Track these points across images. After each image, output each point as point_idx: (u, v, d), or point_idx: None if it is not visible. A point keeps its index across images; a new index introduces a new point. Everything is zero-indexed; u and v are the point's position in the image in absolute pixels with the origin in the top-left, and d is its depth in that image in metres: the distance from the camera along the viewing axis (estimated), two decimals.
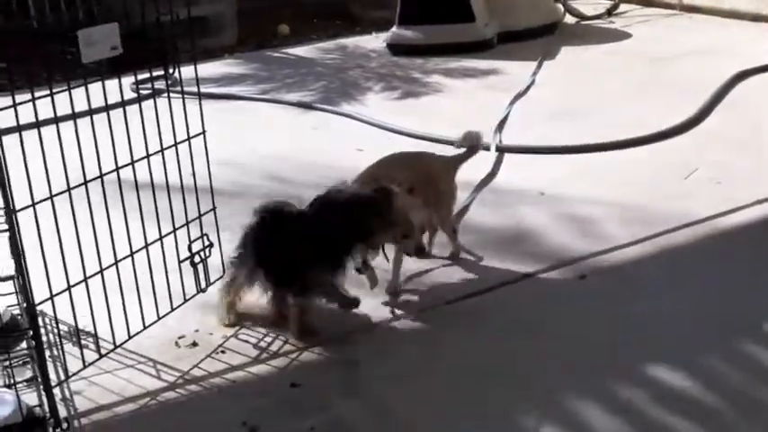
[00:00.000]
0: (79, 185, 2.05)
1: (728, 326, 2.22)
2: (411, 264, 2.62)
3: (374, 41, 6.00)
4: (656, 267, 2.56)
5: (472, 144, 2.78)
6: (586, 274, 2.54)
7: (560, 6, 6.05)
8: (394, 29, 5.73)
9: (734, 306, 2.32)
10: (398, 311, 2.39)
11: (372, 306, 2.40)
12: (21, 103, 1.87)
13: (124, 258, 2.20)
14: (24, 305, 2.02)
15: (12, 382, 1.94)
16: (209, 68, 5.18)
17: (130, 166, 2.19)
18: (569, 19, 6.17)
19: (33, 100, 1.90)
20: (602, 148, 3.55)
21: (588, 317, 2.32)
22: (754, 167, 3.14)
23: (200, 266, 2.41)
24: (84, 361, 2.12)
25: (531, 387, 2.03)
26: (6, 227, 1.90)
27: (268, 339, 2.28)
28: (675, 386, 1.98)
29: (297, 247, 2.25)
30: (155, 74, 2.33)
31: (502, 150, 3.61)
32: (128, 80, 2.42)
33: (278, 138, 4.03)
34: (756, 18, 5.64)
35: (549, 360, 2.13)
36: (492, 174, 3.35)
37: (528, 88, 4.55)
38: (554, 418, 1.91)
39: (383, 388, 2.05)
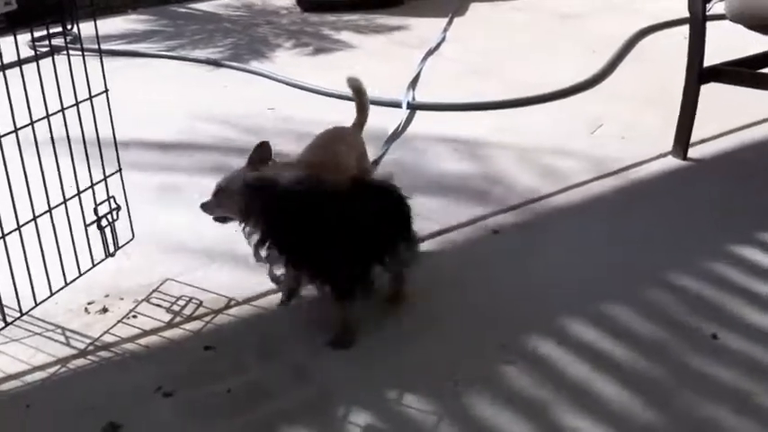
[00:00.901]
0: None
1: (632, 275, 2.29)
2: None
3: None
4: (564, 221, 2.62)
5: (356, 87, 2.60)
6: (498, 229, 2.58)
7: None
8: None
9: (636, 256, 2.39)
10: None
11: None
12: None
13: (27, 223, 2.12)
14: None
15: None
16: (111, 25, 5.01)
17: (30, 128, 2.10)
18: None
19: None
20: (511, 104, 3.60)
21: (501, 272, 2.36)
22: (657, 122, 3.23)
23: (107, 230, 2.35)
24: None
25: (450, 345, 2.05)
26: None
27: (181, 303, 2.24)
28: (583, 338, 2.04)
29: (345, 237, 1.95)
30: (52, 31, 2.22)
31: (414, 107, 3.62)
32: (24, 37, 2.30)
33: (188, 96, 3.93)
34: None
35: (466, 315, 2.16)
36: (402, 129, 3.35)
37: (439, 45, 4.56)
38: (470, 377, 1.94)
39: (300, 351, 2.04)
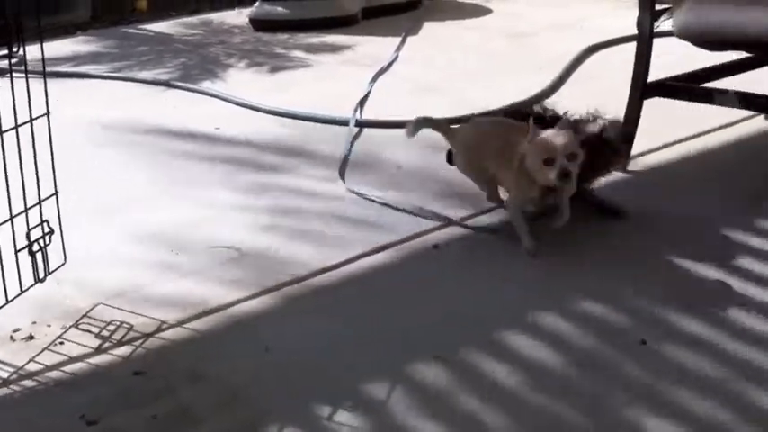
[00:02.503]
0: None
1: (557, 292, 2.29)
2: (258, 239, 2.59)
3: (237, 17, 5.87)
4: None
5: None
6: (439, 244, 2.56)
7: None
8: (257, 4, 5.63)
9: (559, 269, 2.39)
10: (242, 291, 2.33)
11: (211, 288, 2.35)
12: None
13: None
14: None
15: None
16: (58, 47, 4.95)
17: None
18: None
19: None
20: (461, 121, 3.58)
21: (441, 287, 2.35)
22: None
23: (39, 255, 2.29)
24: None
25: (375, 364, 2.02)
26: None
27: (111, 327, 2.18)
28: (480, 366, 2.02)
29: None
30: None
31: (362, 125, 3.59)
32: None
33: (133, 117, 3.87)
34: None
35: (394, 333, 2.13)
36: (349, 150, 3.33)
37: (391, 64, 4.56)
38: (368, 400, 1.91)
39: (234, 373, 1.99)
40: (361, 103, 3.88)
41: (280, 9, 5.54)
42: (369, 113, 3.74)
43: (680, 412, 1.79)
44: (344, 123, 3.57)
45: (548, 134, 2.37)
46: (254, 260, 2.51)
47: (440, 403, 1.86)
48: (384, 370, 1.98)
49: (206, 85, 4.31)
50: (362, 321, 2.20)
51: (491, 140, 2.60)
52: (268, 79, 4.48)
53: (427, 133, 2.83)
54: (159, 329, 2.17)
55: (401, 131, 2.89)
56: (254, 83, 4.40)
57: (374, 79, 4.25)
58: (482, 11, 5.83)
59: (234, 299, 2.29)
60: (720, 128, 3.33)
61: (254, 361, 2.04)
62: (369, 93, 4.04)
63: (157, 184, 3.08)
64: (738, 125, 3.35)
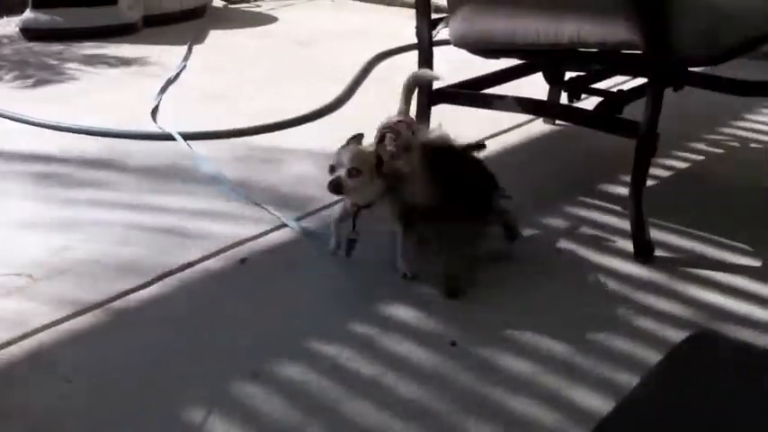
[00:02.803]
0: None
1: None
2: (54, 261, 2.45)
3: (6, 26, 5.49)
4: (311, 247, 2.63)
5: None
6: (247, 257, 2.54)
7: None
8: (27, 12, 5.29)
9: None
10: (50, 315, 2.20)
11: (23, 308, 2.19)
12: None
13: None
14: None
15: None
16: None
17: None
18: (217, 2, 6.15)
19: None
20: (257, 131, 3.57)
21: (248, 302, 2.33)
22: None
23: None
24: None
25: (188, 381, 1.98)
26: None
27: None
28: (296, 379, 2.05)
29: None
30: None
31: (188, 138, 3.47)
32: None
33: None
34: (391, 3, 6.05)
35: (207, 354, 2.10)
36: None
37: (179, 74, 4.45)
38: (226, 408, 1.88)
39: (39, 403, 1.87)
40: (153, 114, 3.76)
41: (54, 17, 5.23)
42: (161, 124, 3.63)
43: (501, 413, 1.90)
44: (164, 138, 3.45)
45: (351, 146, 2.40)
46: (49, 285, 2.36)
47: (259, 421, 1.86)
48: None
49: None
50: (177, 342, 2.14)
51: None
52: (44, 92, 4.21)
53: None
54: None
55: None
56: (28, 96, 4.13)
57: (163, 90, 4.13)
58: (268, 19, 5.83)
59: (31, 328, 2.15)
60: (507, 130, 3.55)
61: (58, 393, 1.92)
62: (158, 104, 3.92)
63: None
64: (526, 126, 3.60)
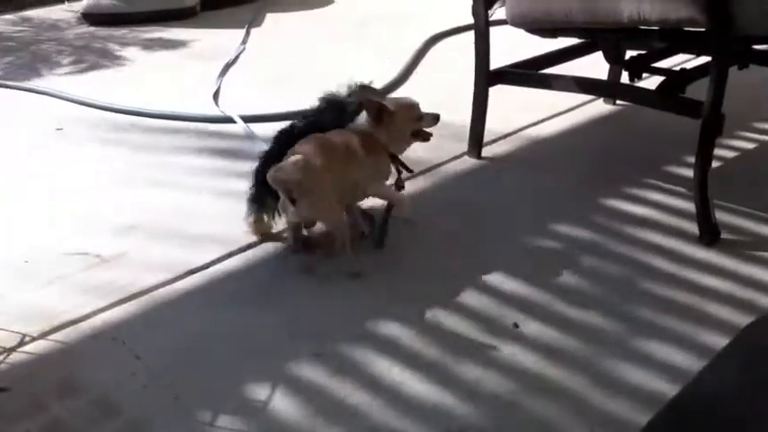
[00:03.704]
0: None
1: None
2: (117, 243, 2.50)
3: (68, 12, 5.60)
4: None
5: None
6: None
7: None
8: None
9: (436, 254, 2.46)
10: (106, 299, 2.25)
11: (73, 298, 2.25)
12: None
13: None
14: None
15: None
16: None
17: None
18: None
19: None
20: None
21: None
22: (453, 125, 3.32)
23: None
24: None
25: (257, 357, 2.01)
26: None
27: None
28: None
29: None
30: None
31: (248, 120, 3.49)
32: None
33: None
34: None
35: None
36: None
37: (237, 57, 4.50)
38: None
39: (104, 383, 1.93)
40: (215, 97, 3.81)
41: (114, 2, 5.33)
42: (223, 108, 3.67)
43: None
44: (230, 121, 3.49)
45: None
46: (115, 266, 2.42)
47: (322, 399, 1.88)
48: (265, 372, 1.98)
49: (38, 83, 4.09)
50: (233, 323, 2.17)
51: None
52: (107, 76, 4.30)
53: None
54: (21, 343, 2.06)
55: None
56: (92, 80, 4.21)
57: (223, 73, 4.18)
58: (324, 1, 5.85)
59: (97, 307, 2.21)
60: (567, 111, 3.51)
61: (124, 370, 1.97)
62: (219, 87, 3.96)
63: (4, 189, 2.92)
64: (586, 106, 3.55)
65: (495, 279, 2.31)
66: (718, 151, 2.63)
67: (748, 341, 1.91)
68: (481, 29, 3.06)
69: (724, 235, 2.51)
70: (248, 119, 3.49)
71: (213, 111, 3.65)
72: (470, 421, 1.80)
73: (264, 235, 2.51)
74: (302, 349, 2.03)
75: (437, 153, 3.10)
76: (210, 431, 1.78)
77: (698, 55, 3.17)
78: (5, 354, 2.01)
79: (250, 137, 3.30)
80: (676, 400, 1.73)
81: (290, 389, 1.90)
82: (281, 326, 2.14)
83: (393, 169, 2.55)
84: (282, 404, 1.85)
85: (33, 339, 2.07)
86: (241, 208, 2.47)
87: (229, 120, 3.52)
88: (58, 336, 2.09)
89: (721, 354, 1.87)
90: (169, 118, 3.56)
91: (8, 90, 4.04)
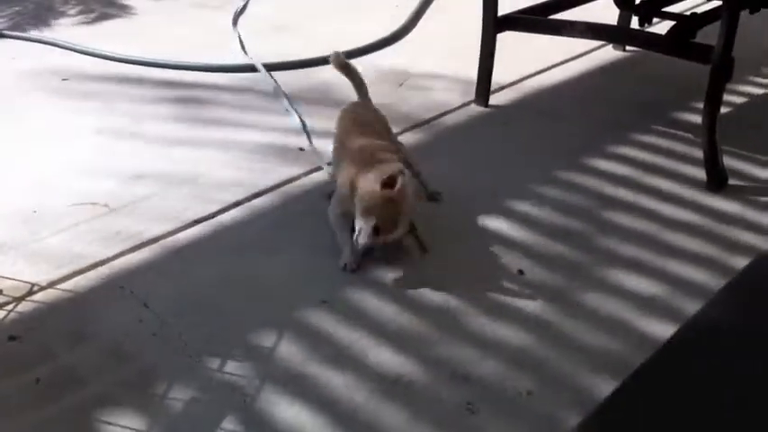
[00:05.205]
0: None
1: None
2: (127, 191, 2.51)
3: None
4: None
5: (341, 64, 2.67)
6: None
7: None
8: None
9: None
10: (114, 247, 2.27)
11: (81, 246, 2.26)
12: None
13: None
14: None
15: None
16: None
17: None
18: None
19: None
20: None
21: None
22: (460, 73, 3.30)
23: None
24: None
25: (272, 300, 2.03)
26: None
27: None
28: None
29: None
30: None
31: (270, 68, 3.47)
32: None
33: None
34: None
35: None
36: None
37: (245, 6, 4.44)
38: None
39: (115, 331, 1.95)
40: (242, 47, 3.76)
41: None
42: (236, 56, 3.63)
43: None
44: (252, 69, 3.47)
45: None
46: (123, 215, 2.43)
47: (328, 345, 1.91)
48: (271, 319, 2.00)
49: (45, 34, 4.06)
50: (240, 271, 2.19)
51: None
52: (113, 27, 4.26)
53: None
54: (31, 292, 2.08)
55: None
56: (98, 31, 4.17)
57: (234, 22, 4.14)
58: None
59: (105, 256, 2.22)
60: (576, 57, 3.47)
61: (133, 318, 1.99)
62: (240, 37, 3.91)
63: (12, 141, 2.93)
64: (595, 52, 3.51)
65: (502, 226, 2.32)
66: (727, 97, 2.61)
67: (745, 281, 1.93)
68: None
69: (732, 181, 2.49)
70: (271, 66, 3.46)
71: (231, 59, 3.60)
72: (475, 367, 1.82)
73: None
74: (309, 296, 2.05)
75: (445, 101, 3.09)
76: (219, 377, 1.80)
77: None
78: (15, 303, 2.04)
79: (274, 89, 3.28)
80: (674, 338, 1.75)
81: (297, 335, 1.93)
82: (288, 274, 2.16)
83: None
84: (289, 350, 1.88)
85: (42, 288, 2.09)
86: (249, 157, 2.45)
87: (249, 68, 3.48)
88: (67, 285, 2.11)
89: (717, 295, 1.89)
90: (181, 68, 3.53)
91: (13, 41, 4.01)
